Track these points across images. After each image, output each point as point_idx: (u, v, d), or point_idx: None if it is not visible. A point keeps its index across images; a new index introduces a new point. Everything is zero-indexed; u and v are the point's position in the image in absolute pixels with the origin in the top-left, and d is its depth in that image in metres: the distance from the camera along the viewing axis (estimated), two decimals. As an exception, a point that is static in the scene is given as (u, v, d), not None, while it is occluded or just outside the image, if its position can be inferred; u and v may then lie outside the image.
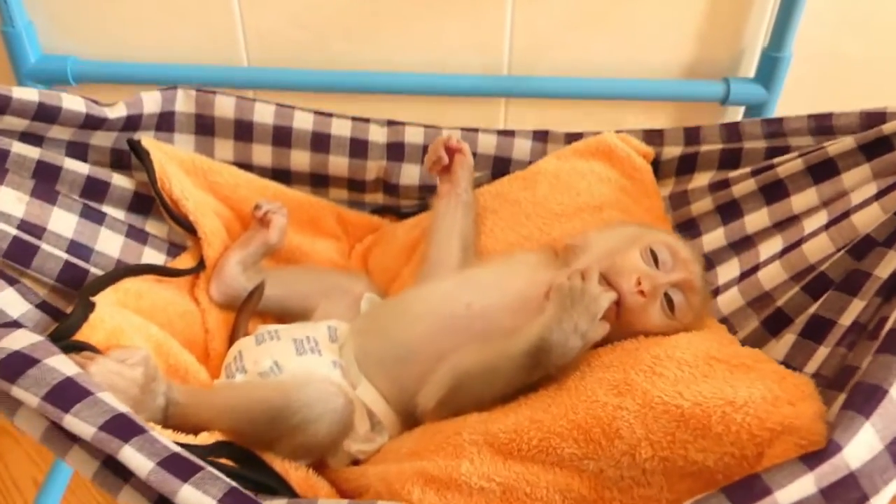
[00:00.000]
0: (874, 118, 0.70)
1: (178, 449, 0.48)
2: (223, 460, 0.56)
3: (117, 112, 0.72)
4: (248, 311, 0.73)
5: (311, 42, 0.93)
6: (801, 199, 0.71)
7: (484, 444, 0.54)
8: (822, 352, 0.59)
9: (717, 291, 0.73)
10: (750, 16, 0.91)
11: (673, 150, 0.83)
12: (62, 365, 0.51)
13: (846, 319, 0.58)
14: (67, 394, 0.49)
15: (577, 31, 0.93)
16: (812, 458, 0.44)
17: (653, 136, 0.85)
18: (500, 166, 0.88)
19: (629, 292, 0.59)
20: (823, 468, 0.44)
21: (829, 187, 0.69)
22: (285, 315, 0.76)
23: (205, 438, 0.57)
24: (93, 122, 0.70)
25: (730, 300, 0.71)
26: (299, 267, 0.80)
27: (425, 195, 0.86)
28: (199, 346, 0.71)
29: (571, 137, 0.87)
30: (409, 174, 0.86)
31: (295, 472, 0.58)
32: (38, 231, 0.65)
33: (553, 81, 0.92)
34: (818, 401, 0.49)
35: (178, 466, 0.46)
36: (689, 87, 0.95)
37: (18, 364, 0.50)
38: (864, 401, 0.45)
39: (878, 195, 0.64)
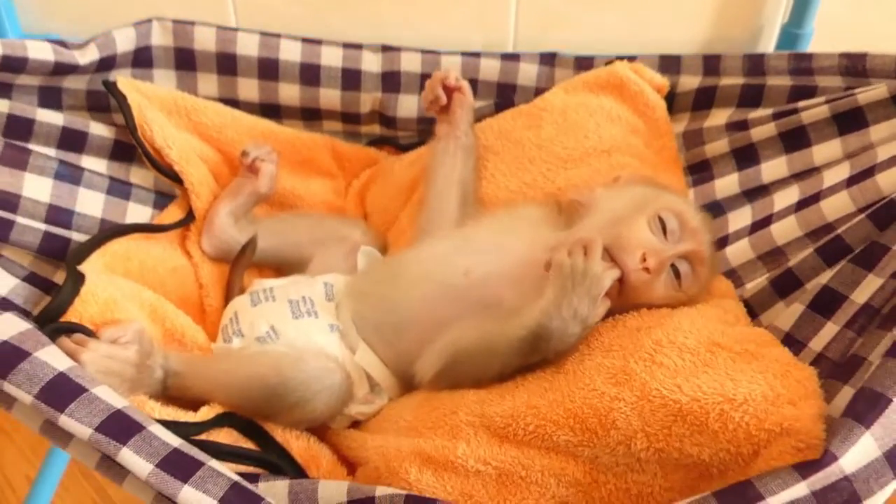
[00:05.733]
0: (913, 62, 0.64)
1: (177, 444, 0.48)
2: (226, 429, 0.57)
3: (89, 55, 0.66)
4: (241, 266, 0.71)
5: (306, 16, 0.84)
6: (824, 150, 0.67)
7: (480, 427, 0.54)
8: (830, 329, 0.57)
9: (726, 240, 0.70)
10: (769, -10, 0.81)
11: (691, 81, 0.77)
12: (53, 358, 0.50)
13: (859, 297, 0.56)
14: (61, 391, 0.48)
15: (588, 5, 0.83)
16: (806, 468, 0.44)
17: (670, 63, 0.78)
18: (504, 94, 0.82)
19: (633, 269, 0.57)
20: (817, 476, 0.44)
21: (855, 139, 0.65)
22: (281, 265, 0.74)
23: (205, 413, 0.57)
24: (63, 69, 0.65)
25: (739, 251, 0.68)
26: (293, 215, 0.77)
27: (424, 127, 0.82)
28: (194, 304, 0.69)
29: (581, 61, 0.81)
30: (407, 106, 0.81)
31: (296, 441, 0.58)
32: (13, 200, 0.61)
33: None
34: (819, 399, 0.49)
35: (178, 465, 0.46)
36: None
37: (8, 357, 0.49)
38: (867, 409, 0.44)
39: (909, 154, 0.59)
